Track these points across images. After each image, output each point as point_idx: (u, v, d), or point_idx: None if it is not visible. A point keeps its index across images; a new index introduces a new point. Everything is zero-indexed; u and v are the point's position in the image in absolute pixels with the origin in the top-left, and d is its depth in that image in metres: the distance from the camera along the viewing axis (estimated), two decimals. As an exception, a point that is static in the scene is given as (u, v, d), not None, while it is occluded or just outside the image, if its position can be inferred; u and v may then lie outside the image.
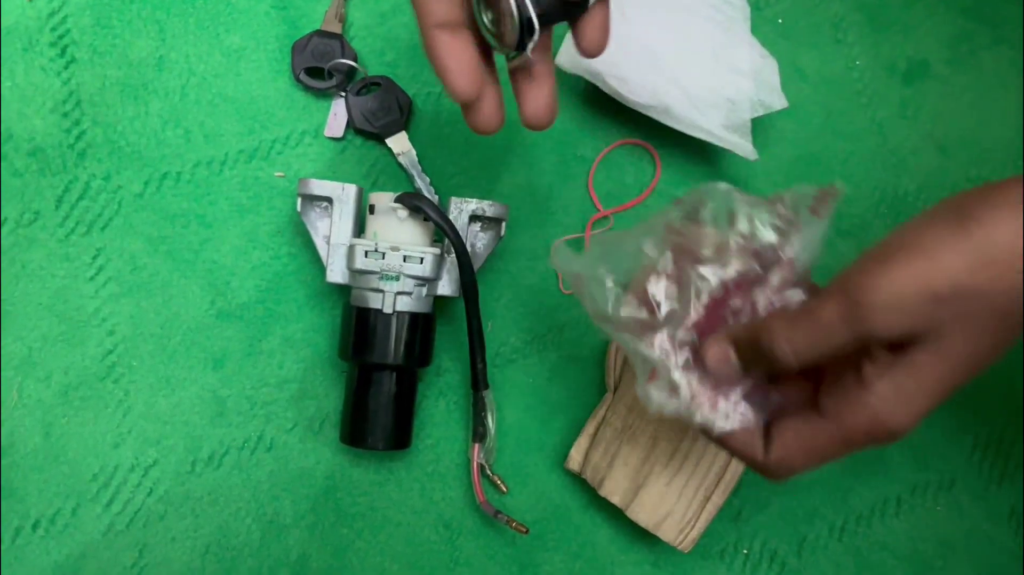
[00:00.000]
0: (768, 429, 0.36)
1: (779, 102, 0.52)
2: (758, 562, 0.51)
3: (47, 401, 0.48)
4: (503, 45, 0.34)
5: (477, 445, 0.49)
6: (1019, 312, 0.31)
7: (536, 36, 0.33)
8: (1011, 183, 0.32)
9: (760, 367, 0.35)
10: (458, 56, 0.34)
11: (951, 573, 0.52)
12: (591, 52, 0.35)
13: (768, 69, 0.53)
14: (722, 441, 0.37)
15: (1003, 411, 0.54)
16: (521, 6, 0.32)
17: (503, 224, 0.49)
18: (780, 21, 0.57)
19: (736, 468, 0.47)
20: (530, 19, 0.32)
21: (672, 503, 0.46)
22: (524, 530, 0.48)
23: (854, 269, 0.33)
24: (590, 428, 0.49)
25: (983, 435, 0.54)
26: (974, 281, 0.30)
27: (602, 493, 0.47)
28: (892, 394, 0.33)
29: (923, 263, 0.31)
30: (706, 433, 0.37)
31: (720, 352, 0.35)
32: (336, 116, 0.53)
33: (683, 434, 0.47)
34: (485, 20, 0.34)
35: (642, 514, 0.46)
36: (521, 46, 0.33)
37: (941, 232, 0.31)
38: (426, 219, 0.46)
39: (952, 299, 0.31)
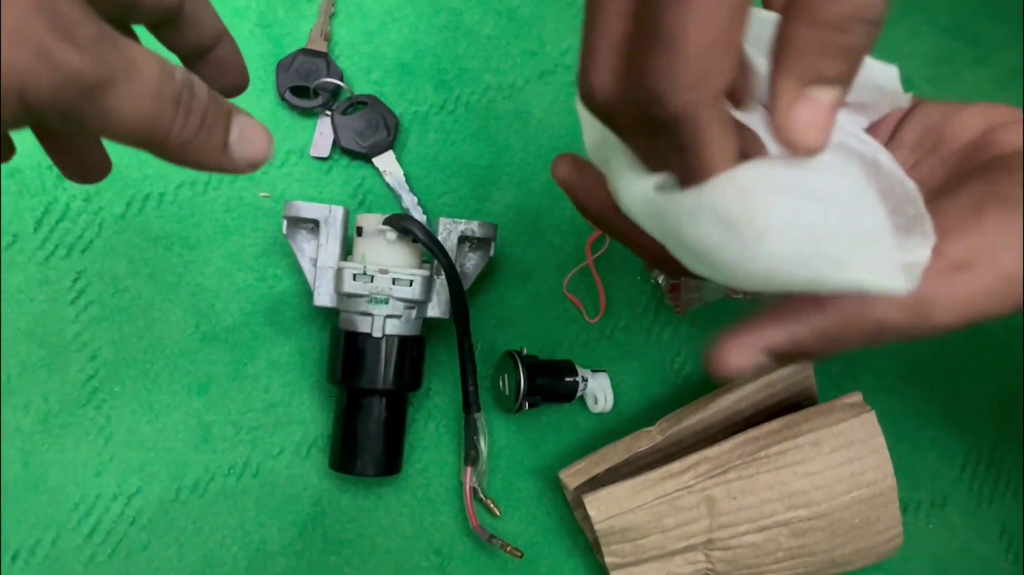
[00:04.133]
0: None
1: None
2: (751, 583, 0.51)
3: (26, 429, 0.47)
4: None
5: (469, 468, 0.48)
6: None
7: None
8: None
9: None
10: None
11: (943, 591, 0.52)
12: None
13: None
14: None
15: (993, 429, 0.54)
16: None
17: (492, 244, 0.49)
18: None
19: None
20: None
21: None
22: (519, 554, 0.47)
23: None
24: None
25: (973, 454, 0.54)
26: None
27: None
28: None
29: None
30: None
31: None
32: (322, 135, 0.52)
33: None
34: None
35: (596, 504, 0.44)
36: None
37: None
38: (415, 241, 0.46)
39: None
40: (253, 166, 0.27)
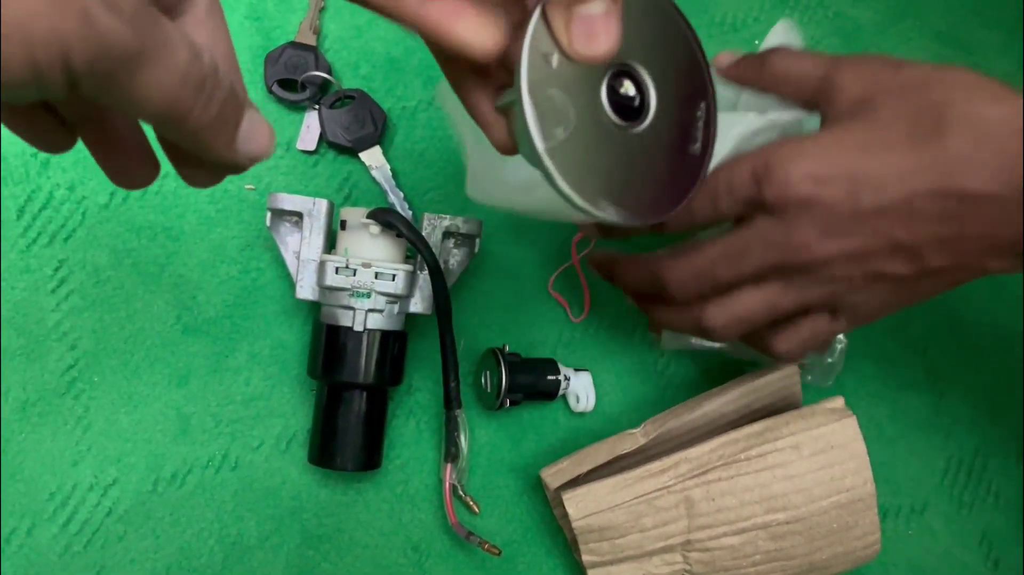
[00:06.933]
0: None
1: None
2: (730, 586, 0.50)
3: (3, 417, 0.47)
4: None
5: (449, 465, 0.48)
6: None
7: None
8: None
9: None
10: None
11: (922, 597, 0.52)
12: None
13: None
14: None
15: (974, 436, 0.54)
16: None
17: (477, 241, 0.49)
18: (757, 43, 0.57)
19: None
20: None
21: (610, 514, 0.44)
22: (497, 552, 0.47)
23: None
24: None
25: (954, 460, 0.54)
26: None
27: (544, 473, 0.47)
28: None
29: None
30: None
31: None
32: (309, 129, 0.52)
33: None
34: None
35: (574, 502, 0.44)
36: None
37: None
38: (399, 235, 0.45)
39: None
40: (252, 161, 0.27)
